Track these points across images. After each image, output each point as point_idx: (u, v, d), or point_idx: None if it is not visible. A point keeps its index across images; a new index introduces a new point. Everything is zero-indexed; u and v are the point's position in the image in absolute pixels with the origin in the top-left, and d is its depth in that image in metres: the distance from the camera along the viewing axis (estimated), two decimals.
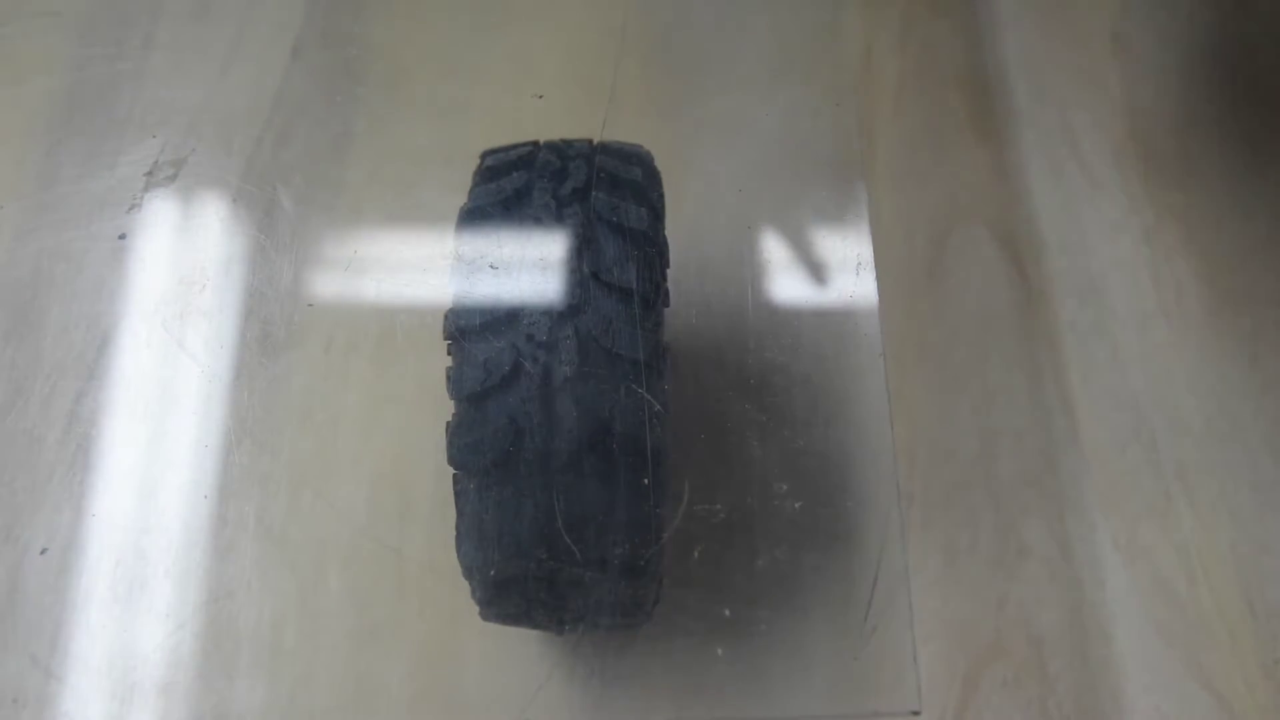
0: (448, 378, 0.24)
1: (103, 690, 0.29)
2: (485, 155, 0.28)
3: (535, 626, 0.27)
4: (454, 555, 0.24)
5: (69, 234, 0.36)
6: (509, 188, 0.26)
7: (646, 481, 0.24)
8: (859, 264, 0.35)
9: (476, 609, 0.25)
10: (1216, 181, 0.38)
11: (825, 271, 0.35)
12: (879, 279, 0.35)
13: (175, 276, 0.35)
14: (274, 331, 0.34)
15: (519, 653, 0.30)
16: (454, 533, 0.24)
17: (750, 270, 0.34)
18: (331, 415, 0.33)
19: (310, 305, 0.34)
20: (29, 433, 0.32)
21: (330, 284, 0.35)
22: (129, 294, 0.35)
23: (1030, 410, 0.34)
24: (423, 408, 0.33)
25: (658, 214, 0.27)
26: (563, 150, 0.27)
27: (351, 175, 0.37)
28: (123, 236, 0.35)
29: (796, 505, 0.30)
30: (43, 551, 0.31)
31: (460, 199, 0.26)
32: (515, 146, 0.27)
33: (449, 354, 0.25)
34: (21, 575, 0.31)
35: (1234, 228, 0.37)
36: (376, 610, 0.31)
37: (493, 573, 0.24)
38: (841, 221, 0.36)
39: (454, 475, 0.24)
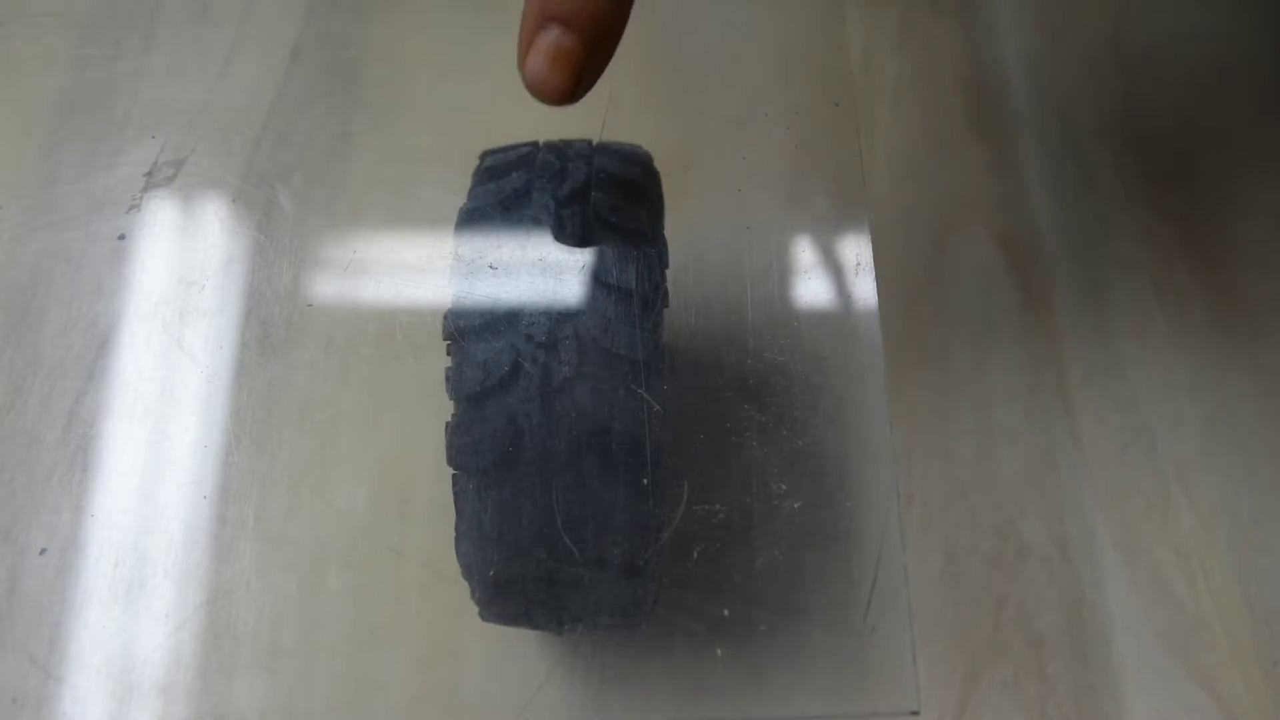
0: (447, 378, 0.24)
1: (102, 690, 0.29)
2: (485, 155, 0.28)
3: (535, 626, 0.27)
4: (453, 555, 0.24)
5: (68, 234, 0.36)
6: (508, 188, 0.26)
7: (646, 481, 0.24)
8: (859, 264, 0.35)
9: (476, 609, 0.25)
10: (1216, 182, 0.38)
11: (825, 272, 0.35)
12: (879, 279, 0.35)
13: (175, 277, 0.35)
14: (274, 331, 0.34)
15: (518, 653, 0.30)
16: (453, 533, 0.24)
17: (750, 270, 0.34)
18: (331, 415, 0.33)
19: (310, 305, 0.34)
20: (28, 433, 0.32)
21: (330, 284, 0.35)
22: (128, 294, 0.35)
23: (1030, 410, 0.34)
24: (422, 408, 0.33)
25: (657, 214, 0.27)
26: (562, 151, 0.27)
27: (351, 175, 0.37)
28: (122, 237, 0.35)
29: (796, 505, 0.30)
30: (42, 552, 0.31)
31: (460, 199, 0.26)
32: (515, 147, 0.27)
33: (448, 354, 0.25)
34: (20, 575, 0.31)
35: (1234, 228, 0.37)
36: (376, 610, 0.31)
37: (492, 573, 0.24)
38: (841, 221, 0.36)
39: (453, 475, 0.24)
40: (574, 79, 0.21)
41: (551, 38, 0.21)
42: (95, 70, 0.39)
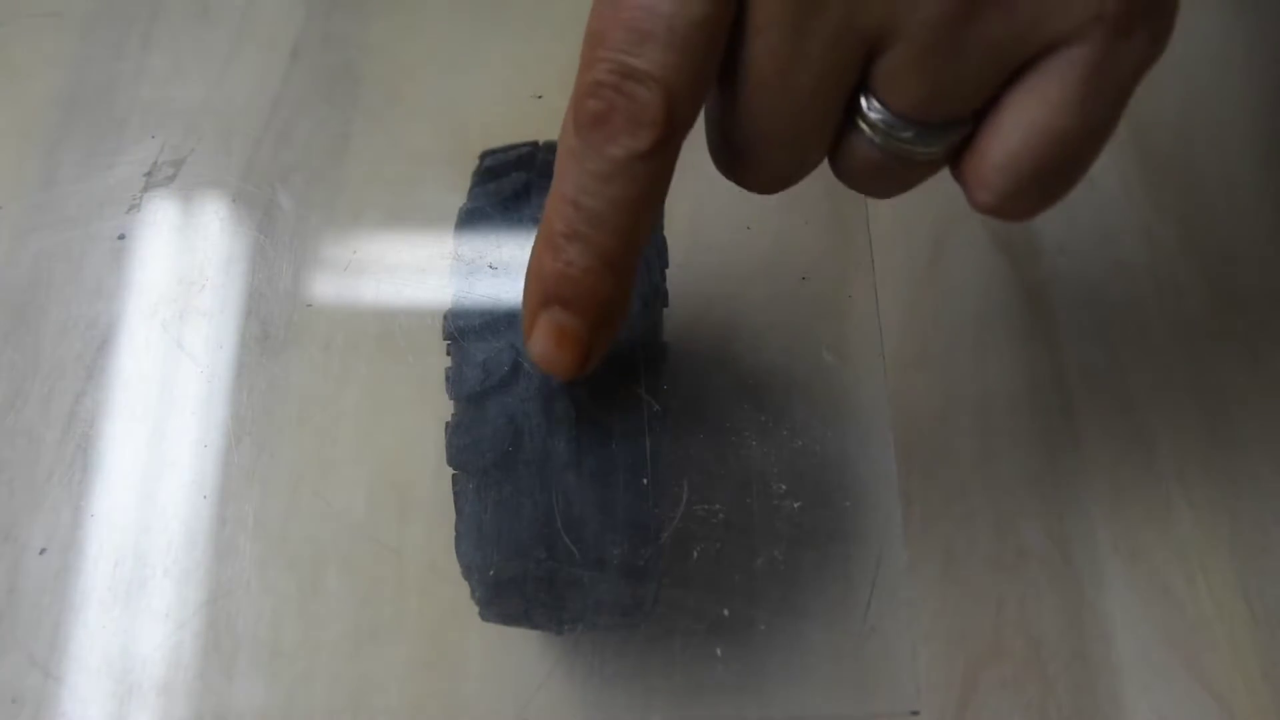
0: (447, 378, 0.24)
1: (102, 690, 0.29)
2: (485, 155, 0.28)
3: (534, 626, 0.27)
4: (453, 555, 0.24)
5: (68, 234, 0.36)
6: (508, 188, 0.26)
7: (645, 482, 0.24)
8: (858, 264, 0.35)
9: (476, 609, 0.25)
10: (1216, 182, 0.38)
11: (825, 272, 0.35)
12: (879, 279, 0.35)
13: (175, 276, 0.35)
14: (274, 331, 0.34)
15: (518, 653, 0.30)
16: (453, 533, 0.24)
17: (750, 270, 0.34)
18: (331, 415, 0.33)
19: (310, 305, 0.34)
20: (28, 433, 0.32)
21: (330, 284, 0.35)
22: (128, 294, 0.35)
23: (1030, 410, 0.34)
24: (422, 408, 0.33)
25: (657, 215, 0.27)
26: None
27: (351, 175, 0.37)
28: (122, 237, 0.35)
29: (796, 505, 0.30)
30: (42, 551, 0.31)
31: (460, 199, 0.26)
32: (515, 147, 0.27)
33: (448, 354, 0.25)
34: (20, 575, 0.31)
35: (1234, 228, 0.37)
36: (376, 610, 0.31)
37: (492, 573, 0.24)
38: (841, 221, 0.36)
39: (453, 475, 0.24)
40: (581, 358, 0.21)
41: (555, 317, 0.20)
42: (95, 70, 0.39)
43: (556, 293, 0.20)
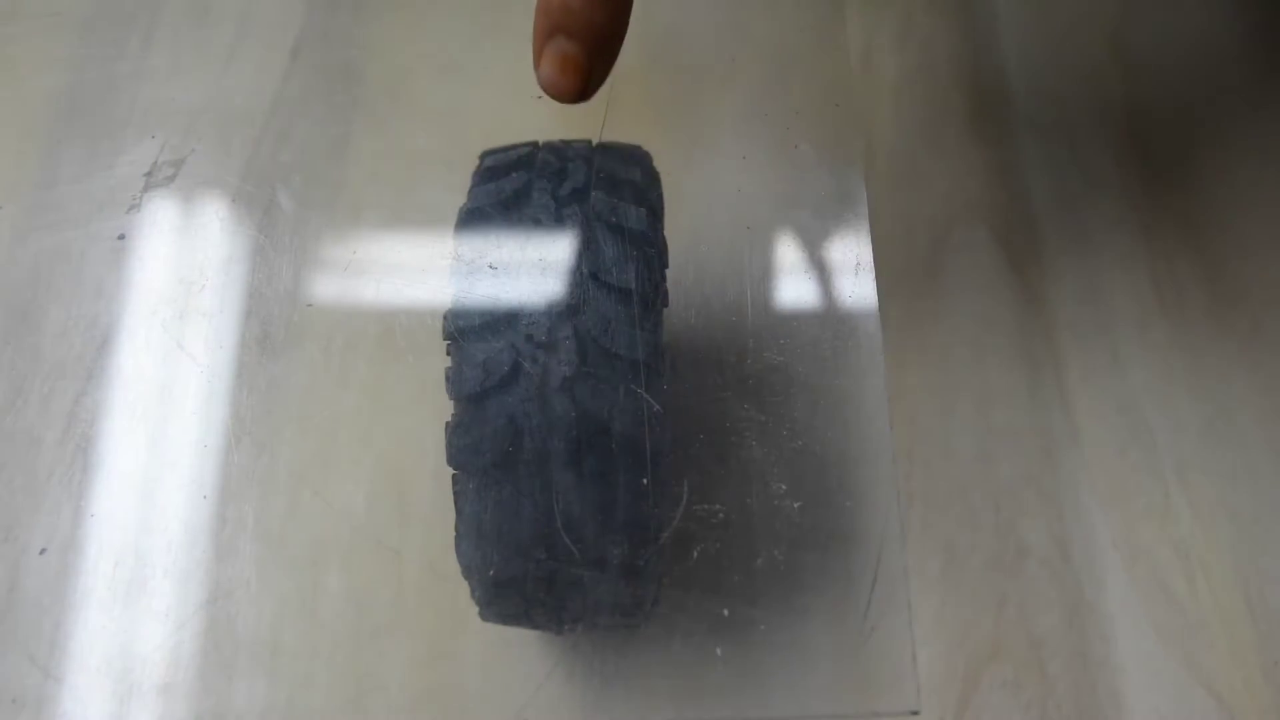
0: (447, 378, 0.24)
1: (102, 690, 0.29)
2: (485, 156, 0.28)
3: (534, 626, 0.27)
4: (453, 555, 0.24)
5: (68, 234, 0.36)
6: (508, 188, 0.26)
7: (645, 482, 0.24)
8: (858, 264, 0.35)
9: (476, 609, 0.25)
10: (1216, 181, 0.38)
11: (825, 272, 0.35)
12: (879, 279, 0.35)
13: (175, 277, 0.35)
14: (274, 331, 0.34)
15: (518, 652, 0.30)
16: (453, 533, 0.24)
17: (750, 270, 0.34)
18: (331, 415, 0.33)
19: (309, 305, 0.34)
20: (28, 433, 0.32)
21: (329, 284, 0.35)
22: (128, 294, 0.35)
23: (1030, 410, 0.34)
24: (422, 408, 0.33)
25: (657, 214, 0.27)
26: (562, 151, 0.27)
27: (351, 175, 0.37)
28: (122, 237, 0.35)
29: (796, 505, 0.30)
30: (42, 552, 0.31)
31: (460, 199, 0.26)
32: (514, 147, 0.27)
33: (448, 354, 0.25)
34: (20, 575, 0.31)
35: (1234, 228, 0.37)
36: (376, 610, 0.31)
37: (492, 573, 0.24)
38: (841, 221, 0.36)
39: (453, 475, 0.24)
40: (582, 81, 0.23)
41: (559, 46, 0.23)
42: (95, 70, 0.39)
43: (560, 23, 0.23)
